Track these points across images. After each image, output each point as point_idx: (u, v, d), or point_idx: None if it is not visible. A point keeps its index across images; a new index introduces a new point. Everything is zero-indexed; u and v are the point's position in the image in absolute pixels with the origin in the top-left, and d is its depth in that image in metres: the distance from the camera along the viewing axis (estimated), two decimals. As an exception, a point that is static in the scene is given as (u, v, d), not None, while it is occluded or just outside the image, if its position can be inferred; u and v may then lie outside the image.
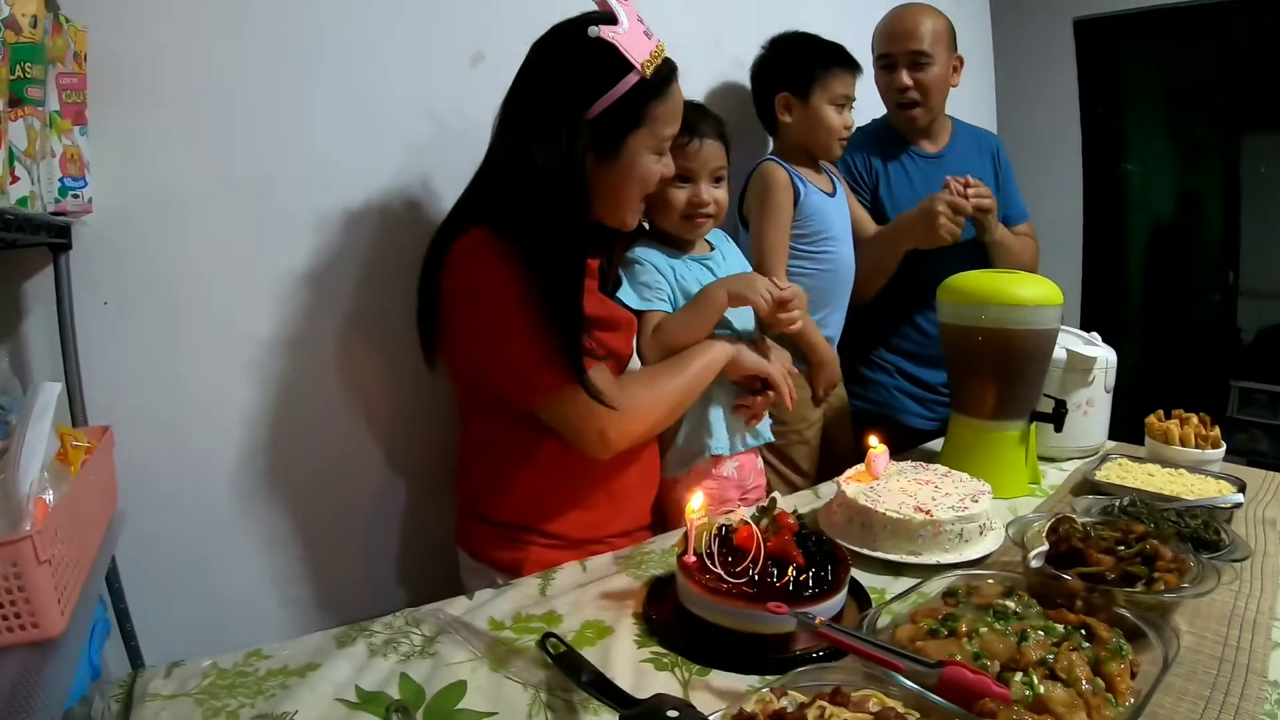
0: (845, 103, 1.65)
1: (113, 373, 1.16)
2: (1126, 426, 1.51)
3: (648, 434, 1.26)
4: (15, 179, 0.85)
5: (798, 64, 1.65)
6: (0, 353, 1.04)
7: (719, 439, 1.36)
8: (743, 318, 1.39)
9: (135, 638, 1.16)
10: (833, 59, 1.64)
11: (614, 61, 1.07)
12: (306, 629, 0.99)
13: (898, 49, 1.79)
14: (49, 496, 0.76)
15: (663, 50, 1.12)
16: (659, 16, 1.17)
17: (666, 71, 1.13)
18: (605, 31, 1.05)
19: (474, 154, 1.22)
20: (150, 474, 1.17)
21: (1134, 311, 3.49)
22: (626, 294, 1.33)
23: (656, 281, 1.34)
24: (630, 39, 1.06)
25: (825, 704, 0.62)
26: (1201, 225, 3.41)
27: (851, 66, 1.66)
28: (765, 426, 1.46)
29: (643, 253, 1.36)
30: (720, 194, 1.37)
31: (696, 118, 1.32)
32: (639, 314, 1.31)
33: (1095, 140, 3.30)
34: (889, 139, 1.89)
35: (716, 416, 1.36)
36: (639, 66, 1.07)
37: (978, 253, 1.78)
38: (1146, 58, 3.40)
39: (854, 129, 1.69)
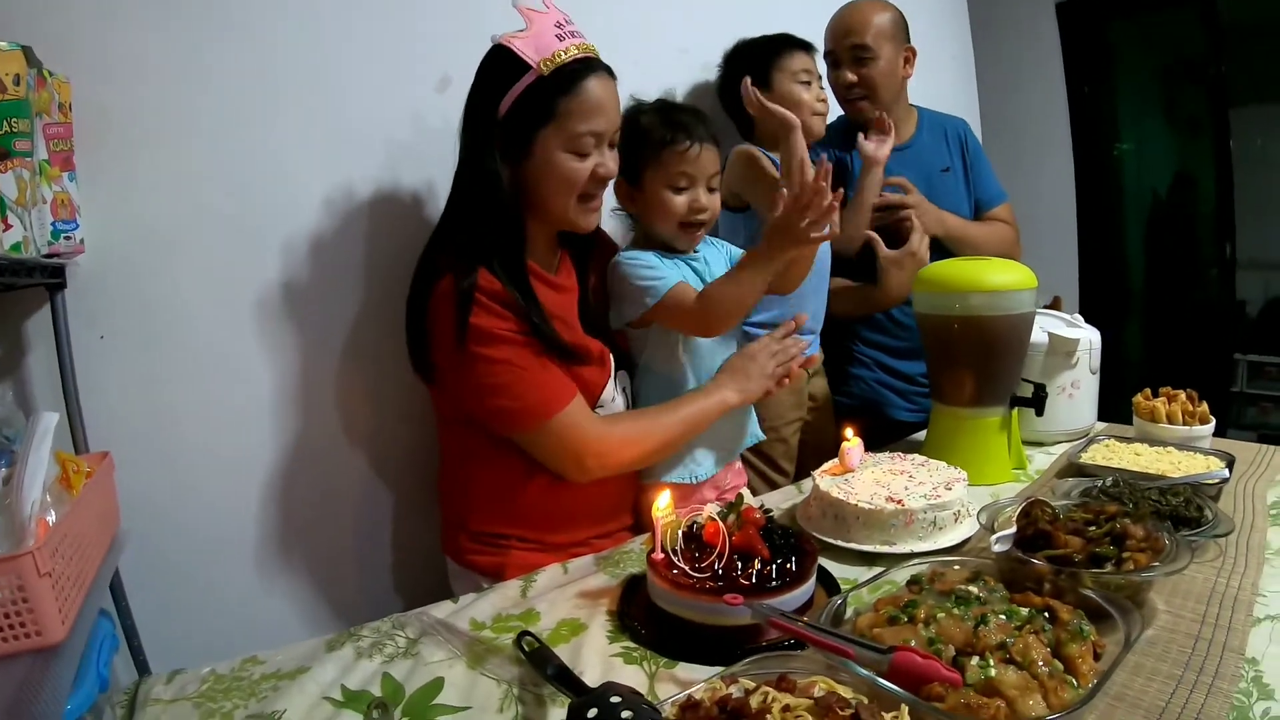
0: (809, 79, 1.68)
1: (111, 402, 1.21)
2: (1127, 408, 1.51)
3: (629, 467, 1.29)
4: (8, 226, 0.90)
5: (754, 58, 1.69)
6: (3, 387, 1.09)
7: (704, 465, 1.37)
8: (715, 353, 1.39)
9: (142, 651, 1.21)
10: (782, 43, 1.68)
11: (515, 63, 1.13)
12: (303, 637, 1.02)
13: (840, 45, 1.82)
14: (50, 517, 0.81)
15: (579, 51, 1.16)
16: (626, 26, 1.20)
17: (576, 69, 1.15)
18: (505, 38, 1.13)
19: (442, 180, 1.28)
20: (151, 496, 1.22)
21: (1134, 291, 3.47)
22: (634, 299, 1.31)
23: (652, 263, 1.33)
24: (531, 40, 1.13)
25: (770, 690, 0.63)
26: (1196, 200, 3.39)
27: (802, 45, 1.69)
28: (755, 428, 1.48)
29: (629, 254, 1.35)
30: (715, 201, 1.36)
31: (692, 122, 1.33)
32: (664, 299, 1.29)
33: (1084, 122, 3.28)
34: (849, 133, 1.89)
35: (701, 445, 1.37)
36: (535, 64, 1.12)
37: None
38: (1132, 36, 3.40)
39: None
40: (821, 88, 1.70)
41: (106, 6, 1.16)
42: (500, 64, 1.15)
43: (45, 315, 1.14)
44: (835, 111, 1.90)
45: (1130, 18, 3.29)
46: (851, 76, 1.80)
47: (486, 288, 1.12)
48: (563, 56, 1.13)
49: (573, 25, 1.18)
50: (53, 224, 1.05)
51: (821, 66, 1.77)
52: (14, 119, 0.91)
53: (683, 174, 1.31)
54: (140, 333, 1.24)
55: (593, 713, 0.61)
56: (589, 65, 1.16)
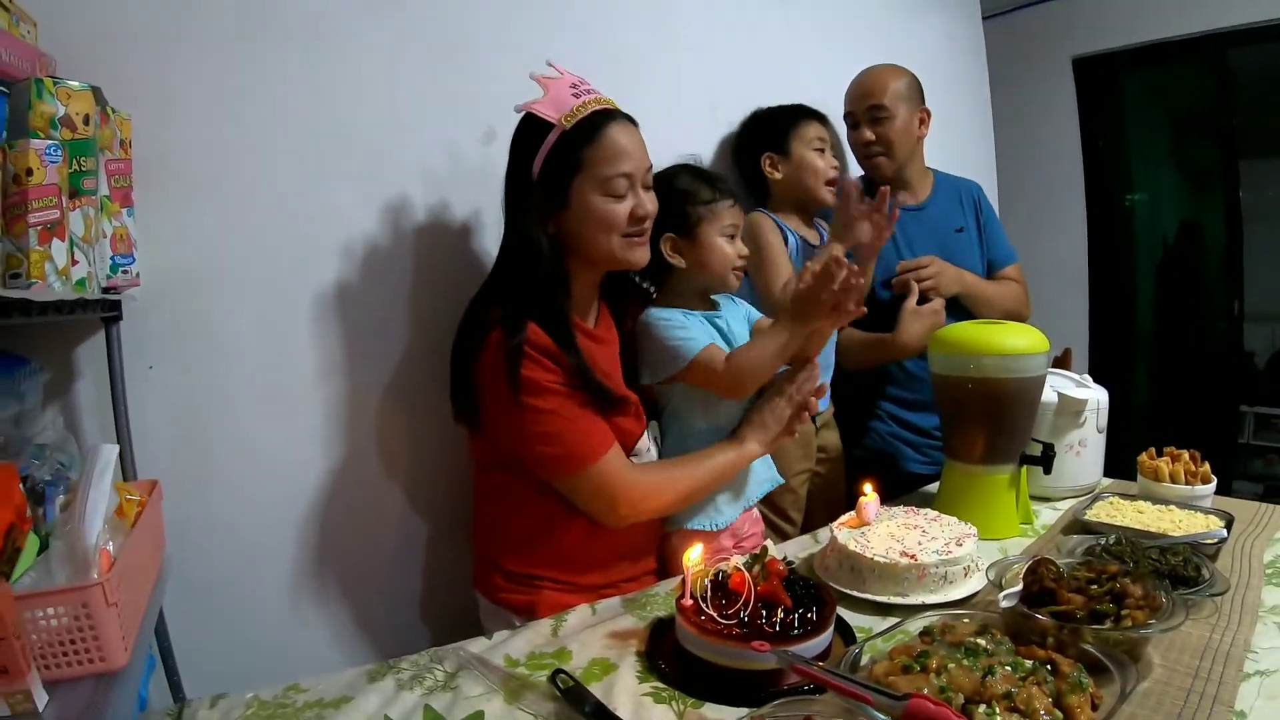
0: (823, 146, 1.80)
1: (155, 431, 1.24)
2: (1134, 460, 1.55)
3: (659, 513, 1.36)
4: (75, 263, 0.94)
5: (771, 126, 1.84)
6: (55, 414, 1.14)
7: (725, 513, 1.43)
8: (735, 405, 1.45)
9: (178, 673, 1.24)
10: (799, 112, 1.83)
11: (538, 125, 1.24)
12: (334, 667, 1.06)
13: (858, 107, 1.94)
14: (110, 547, 0.85)
15: (594, 104, 1.25)
16: (659, 85, 1.30)
17: (595, 120, 1.24)
18: (525, 105, 1.25)
19: (485, 222, 1.37)
20: (191, 524, 1.25)
21: (1143, 340, 3.51)
22: (666, 358, 1.38)
23: (684, 323, 1.40)
24: (550, 102, 1.24)
25: (797, 732, 0.69)
26: (1205, 252, 3.44)
27: (816, 116, 1.84)
28: (774, 474, 1.53)
29: (657, 313, 1.42)
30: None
31: (728, 181, 1.47)
32: (696, 360, 1.35)
33: (1098, 174, 3.35)
34: (871, 191, 1.98)
35: (721, 492, 1.43)
36: (556, 121, 1.22)
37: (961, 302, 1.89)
38: (1145, 90, 3.47)
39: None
40: (835, 156, 1.82)
41: (168, 48, 1.23)
42: (528, 129, 1.26)
43: (94, 344, 1.19)
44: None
45: (1144, 71, 3.38)
46: (869, 135, 1.92)
47: (535, 341, 1.19)
48: (581, 111, 1.23)
49: (588, 85, 1.28)
50: (111, 258, 1.09)
51: (840, 130, 1.87)
52: (83, 158, 0.95)
53: (732, 225, 1.43)
54: (186, 364, 1.29)
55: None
56: (608, 115, 1.26)
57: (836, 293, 1.25)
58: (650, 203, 1.31)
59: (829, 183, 1.80)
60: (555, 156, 1.23)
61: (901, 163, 1.94)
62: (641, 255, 1.32)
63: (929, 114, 1.98)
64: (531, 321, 1.19)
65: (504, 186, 1.30)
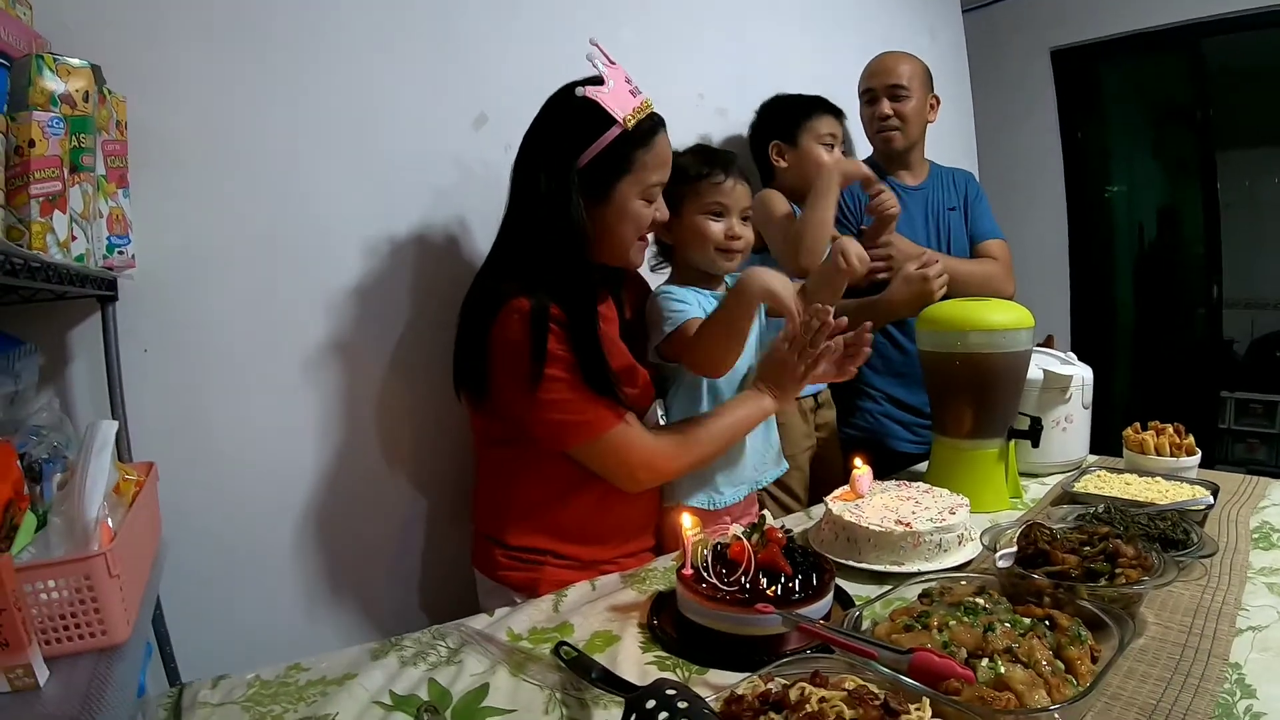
0: (833, 143, 1.82)
1: (150, 413, 1.25)
2: (1118, 442, 1.59)
3: (676, 475, 1.36)
4: (74, 238, 0.93)
5: (785, 115, 1.85)
6: (50, 395, 1.12)
7: (726, 493, 1.43)
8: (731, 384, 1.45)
9: (174, 659, 1.24)
10: (814, 105, 1.83)
11: (599, 116, 1.21)
12: (332, 649, 1.07)
13: (879, 83, 1.97)
14: (110, 521, 0.84)
15: (648, 106, 1.25)
16: (648, 72, 1.30)
17: (651, 124, 1.25)
18: (590, 91, 1.20)
19: (474, 205, 1.38)
20: (185, 506, 1.24)
21: (1123, 329, 3.56)
22: (658, 328, 1.39)
23: (683, 297, 1.41)
24: (614, 96, 1.21)
25: (806, 685, 0.70)
26: (1184, 241, 3.50)
27: (833, 111, 1.84)
28: (781, 461, 1.54)
29: (664, 287, 1.44)
30: (749, 231, 1.45)
31: (725, 159, 1.44)
32: (678, 329, 1.36)
33: (1077, 164, 3.40)
34: (879, 169, 2.01)
35: (724, 474, 1.43)
36: (621, 120, 1.21)
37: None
38: (1124, 81, 3.51)
39: None
40: (845, 153, 1.85)
41: (164, 31, 1.23)
42: (583, 115, 1.22)
43: (88, 326, 1.20)
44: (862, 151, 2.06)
45: (1121, 62, 3.43)
46: (888, 110, 1.95)
47: (556, 316, 1.19)
48: (639, 113, 1.23)
49: (634, 81, 1.27)
50: (108, 238, 1.09)
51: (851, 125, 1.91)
52: (82, 135, 0.95)
53: (717, 203, 1.41)
54: (181, 347, 1.29)
55: (651, 703, 0.67)
56: (658, 121, 1.27)
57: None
58: (664, 208, 1.33)
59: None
60: (609, 153, 1.23)
61: (913, 141, 1.99)
62: (642, 258, 1.37)
63: (939, 101, 2.04)
64: (563, 304, 1.20)
65: (527, 160, 1.28)
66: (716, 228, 1.42)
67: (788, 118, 1.85)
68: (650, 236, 1.39)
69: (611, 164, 1.23)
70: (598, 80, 1.21)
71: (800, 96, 1.89)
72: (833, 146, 1.82)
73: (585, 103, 1.21)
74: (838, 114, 1.87)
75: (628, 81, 1.24)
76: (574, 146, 1.23)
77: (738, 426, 1.35)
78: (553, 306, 1.20)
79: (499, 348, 1.22)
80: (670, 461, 1.31)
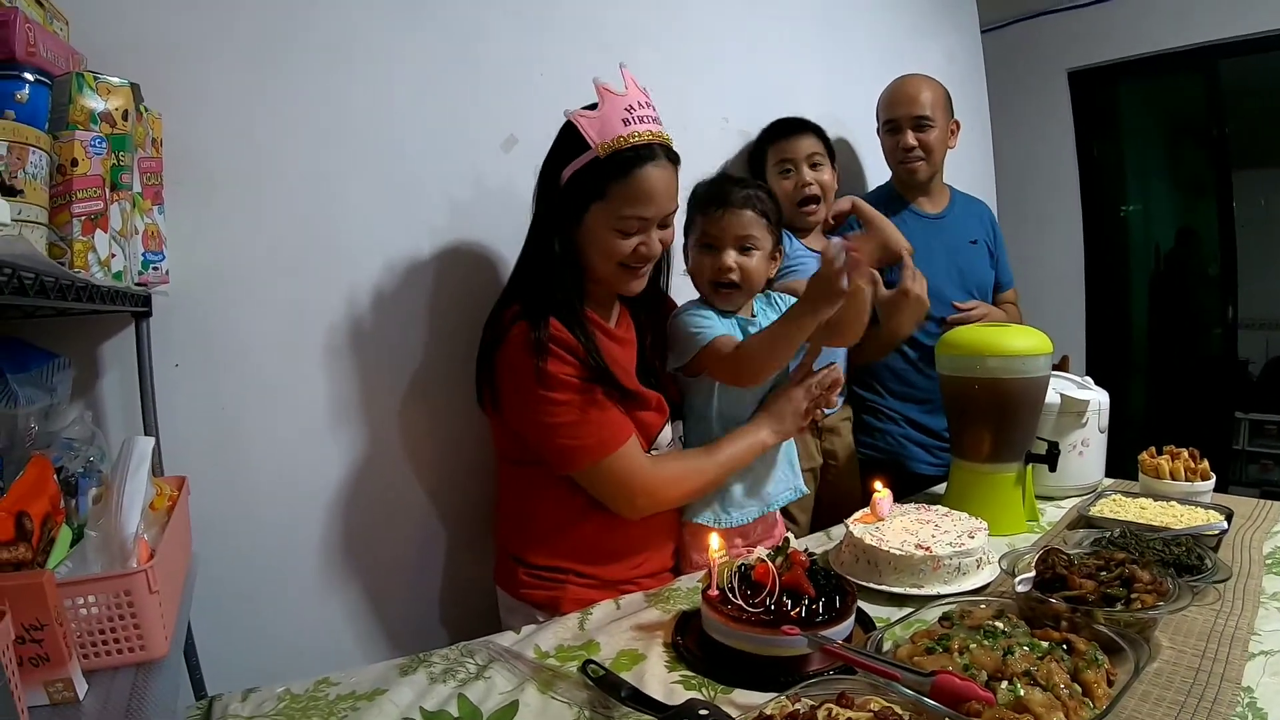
0: (790, 167, 1.81)
1: (181, 428, 1.26)
2: (1132, 462, 1.60)
3: (674, 504, 1.38)
4: (113, 254, 0.94)
5: (757, 145, 1.90)
6: (84, 409, 1.13)
7: (735, 514, 1.43)
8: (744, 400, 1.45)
9: (200, 670, 1.26)
10: (770, 133, 1.87)
11: (577, 138, 1.23)
12: (355, 663, 1.07)
13: (902, 114, 1.99)
14: (147, 538, 0.87)
15: (640, 137, 1.22)
16: (677, 99, 1.32)
17: (632, 156, 1.22)
18: (575, 114, 1.23)
19: (500, 225, 1.42)
20: (212, 520, 1.26)
21: (1138, 348, 3.56)
22: (683, 345, 1.39)
23: (707, 314, 1.40)
24: (598, 122, 1.21)
25: (833, 706, 0.72)
26: (1199, 261, 3.49)
27: (788, 131, 1.84)
28: (799, 484, 1.53)
29: (687, 305, 1.45)
30: (750, 262, 1.39)
31: (729, 188, 1.40)
32: (708, 346, 1.35)
33: (1093, 183, 3.41)
34: (891, 198, 2.05)
35: (740, 491, 1.44)
36: (594, 145, 1.21)
37: None
38: (1140, 102, 3.53)
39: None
40: (813, 168, 1.82)
41: (199, 53, 1.26)
42: (568, 136, 1.26)
43: (120, 341, 1.22)
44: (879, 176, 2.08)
45: (1138, 83, 3.45)
46: (913, 141, 1.97)
47: (557, 336, 1.22)
48: (621, 143, 1.20)
49: (650, 109, 1.25)
50: (144, 254, 1.10)
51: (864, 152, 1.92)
52: (121, 153, 0.95)
53: (706, 235, 1.40)
54: (212, 362, 1.31)
55: (682, 722, 0.70)
56: (648, 153, 1.22)
57: (838, 272, 1.16)
58: (659, 242, 1.30)
59: (801, 202, 1.80)
60: (582, 177, 1.24)
61: (936, 169, 2.02)
62: (635, 286, 1.33)
63: (959, 125, 2.07)
64: (553, 316, 1.23)
65: (537, 186, 1.32)
66: (705, 263, 1.41)
67: (757, 148, 1.90)
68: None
69: (585, 188, 1.24)
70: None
71: (772, 123, 1.90)
72: (790, 170, 1.81)
73: (568, 124, 1.25)
74: (794, 132, 1.84)
75: (629, 110, 1.22)
76: (557, 165, 1.27)
77: (736, 458, 1.37)
78: (552, 326, 1.22)
79: (504, 372, 1.26)
80: (671, 490, 1.33)
